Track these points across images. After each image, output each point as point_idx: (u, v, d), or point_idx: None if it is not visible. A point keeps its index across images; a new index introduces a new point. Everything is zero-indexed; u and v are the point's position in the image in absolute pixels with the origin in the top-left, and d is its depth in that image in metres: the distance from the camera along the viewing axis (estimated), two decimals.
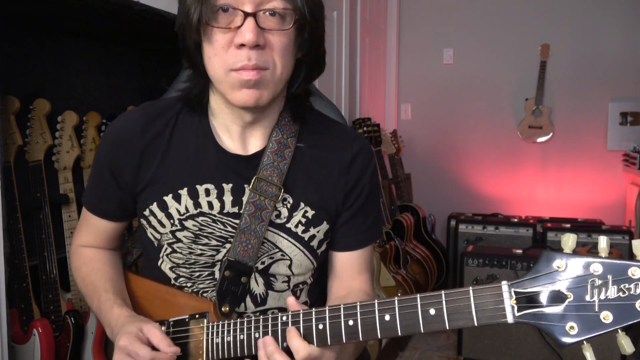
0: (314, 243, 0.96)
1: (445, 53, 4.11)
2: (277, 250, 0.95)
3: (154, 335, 0.86)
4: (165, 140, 0.94)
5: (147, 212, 0.95)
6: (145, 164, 0.94)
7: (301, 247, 0.95)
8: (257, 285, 0.96)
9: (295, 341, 0.76)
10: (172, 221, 0.93)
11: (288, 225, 0.94)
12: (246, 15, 0.80)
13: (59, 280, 1.62)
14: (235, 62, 0.82)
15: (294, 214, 0.94)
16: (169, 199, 0.93)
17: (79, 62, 1.89)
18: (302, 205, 0.94)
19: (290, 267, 0.96)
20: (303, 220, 0.94)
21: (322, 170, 0.96)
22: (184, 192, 0.92)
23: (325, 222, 0.96)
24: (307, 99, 0.99)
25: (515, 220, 3.43)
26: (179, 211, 0.93)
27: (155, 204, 0.93)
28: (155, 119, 0.95)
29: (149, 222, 0.95)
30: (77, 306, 1.65)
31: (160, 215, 0.93)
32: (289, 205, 0.94)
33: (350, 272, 1.01)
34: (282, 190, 0.92)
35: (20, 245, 1.52)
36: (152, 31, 1.81)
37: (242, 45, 0.81)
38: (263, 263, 0.95)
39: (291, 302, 0.81)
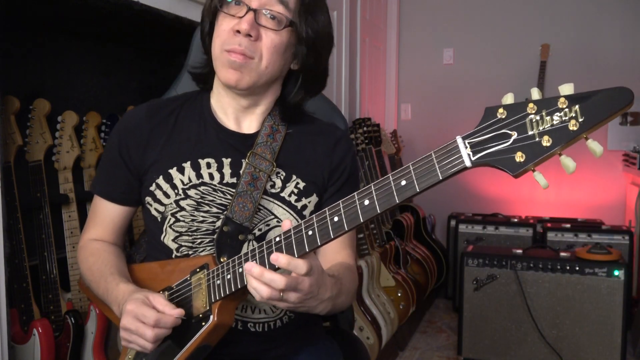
0: (306, 213, 1.06)
1: (445, 53, 4.11)
2: (273, 216, 1.04)
3: (158, 302, 0.92)
4: (170, 124, 1.06)
5: (153, 187, 1.03)
6: (152, 145, 1.05)
7: (294, 215, 1.04)
8: None
9: (282, 259, 0.79)
10: (176, 191, 1.02)
11: (282, 194, 1.04)
12: (249, 9, 0.96)
13: (59, 280, 1.62)
14: (229, 43, 0.96)
15: (287, 184, 1.04)
16: (173, 171, 1.03)
17: (79, 62, 1.89)
18: (294, 177, 1.05)
19: None
20: (295, 190, 1.05)
21: (310, 151, 1.08)
22: (187, 165, 1.03)
23: (315, 195, 1.07)
24: (299, 109, 1.10)
25: (515, 220, 3.43)
26: (182, 181, 1.02)
27: (161, 177, 1.03)
28: (161, 108, 1.08)
29: (154, 197, 1.04)
30: (77, 306, 1.65)
31: (166, 186, 1.03)
32: (282, 177, 1.05)
33: (334, 247, 1.07)
34: (275, 165, 1.03)
35: (20, 245, 1.52)
36: (152, 31, 1.81)
37: (238, 32, 0.95)
38: (260, 230, 1.03)
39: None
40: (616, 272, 2.44)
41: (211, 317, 0.92)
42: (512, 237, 3.32)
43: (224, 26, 0.98)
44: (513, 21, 3.92)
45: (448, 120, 4.10)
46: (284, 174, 1.04)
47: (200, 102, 1.09)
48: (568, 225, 3.22)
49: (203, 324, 0.93)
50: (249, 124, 1.07)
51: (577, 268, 2.49)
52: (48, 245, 1.61)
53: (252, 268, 0.80)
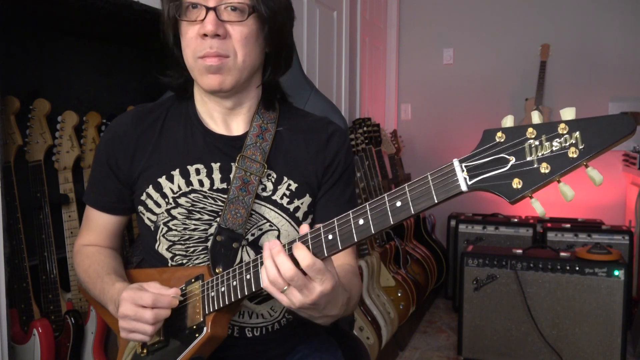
0: (299, 214, 1.03)
1: (445, 53, 4.11)
2: (265, 221, 1.02)
3: (153, 286, 0.93)
4: (156, 131, 1.04)
5: (144, 197, 1.02)
6: (139, 153, 1.03)
7: (287, 218, 1.02)
8: (249, 258, 1.00)
9: (301, 252, 0.77)
10: (166, 200, 1.01)
11: (274, 197, 1.02)
12: (208, 9, 0.92)
13: (59, 280, 1.62)
14: (200, 50, 0.93)
15: (279, 187, 1.02)
16: (162, 180, 1.01)
17: (79, 62, 1.89)
18: (286, 179, 1.02)
19: (278, 237, 1.02)
20: (287, 192, 1.02)
21: (302, 150, 1.05)
22: (176, 172, 1.01)
23: (308, 195, 1.04)
24: (278, 90, 1.09)
25: (515, 220, 3.43)
26: (172, 190, 1.01)
27: (150, 186, 1.01)
28: (147, 115, 1.06)
29: (146, 207, 1.03)
30: (77, 306, 1.65)
31: (156, 196, 1.01)
32: (273, 180, 1.02)
33: None
34: (266, 167, 1.00)
35: (20, 245, 1.52)
36: (152, 31, 1.81)
37: (205, 35, 0.92)
38: (253, 235, 1.01)
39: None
40: (616, 272, 2.44)
41: (205, 329, 0.91)
42: (512, 237, 3.32)
43: (190, 34, 0.94)
44: (513, 21, 3.91)
45: (448, 120, 4.10)
46: (275, 175, 1.02)
47: (186, 106, 1.06)
48: (568, 225, 3.22)
49: (196, 335, 0.92)
50: (237, 126, 1.04)
51: (577, 268, 2.49)
52: (48, 245, 1.61)
53: (273, 245, 0.79)
